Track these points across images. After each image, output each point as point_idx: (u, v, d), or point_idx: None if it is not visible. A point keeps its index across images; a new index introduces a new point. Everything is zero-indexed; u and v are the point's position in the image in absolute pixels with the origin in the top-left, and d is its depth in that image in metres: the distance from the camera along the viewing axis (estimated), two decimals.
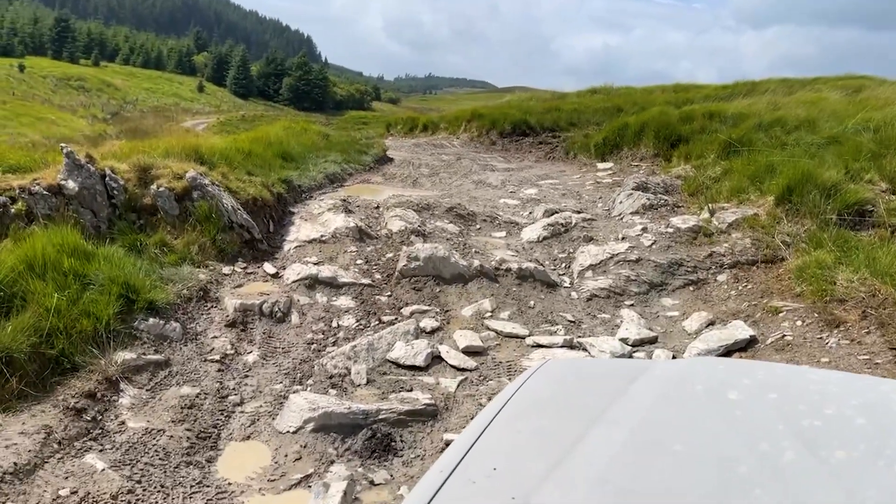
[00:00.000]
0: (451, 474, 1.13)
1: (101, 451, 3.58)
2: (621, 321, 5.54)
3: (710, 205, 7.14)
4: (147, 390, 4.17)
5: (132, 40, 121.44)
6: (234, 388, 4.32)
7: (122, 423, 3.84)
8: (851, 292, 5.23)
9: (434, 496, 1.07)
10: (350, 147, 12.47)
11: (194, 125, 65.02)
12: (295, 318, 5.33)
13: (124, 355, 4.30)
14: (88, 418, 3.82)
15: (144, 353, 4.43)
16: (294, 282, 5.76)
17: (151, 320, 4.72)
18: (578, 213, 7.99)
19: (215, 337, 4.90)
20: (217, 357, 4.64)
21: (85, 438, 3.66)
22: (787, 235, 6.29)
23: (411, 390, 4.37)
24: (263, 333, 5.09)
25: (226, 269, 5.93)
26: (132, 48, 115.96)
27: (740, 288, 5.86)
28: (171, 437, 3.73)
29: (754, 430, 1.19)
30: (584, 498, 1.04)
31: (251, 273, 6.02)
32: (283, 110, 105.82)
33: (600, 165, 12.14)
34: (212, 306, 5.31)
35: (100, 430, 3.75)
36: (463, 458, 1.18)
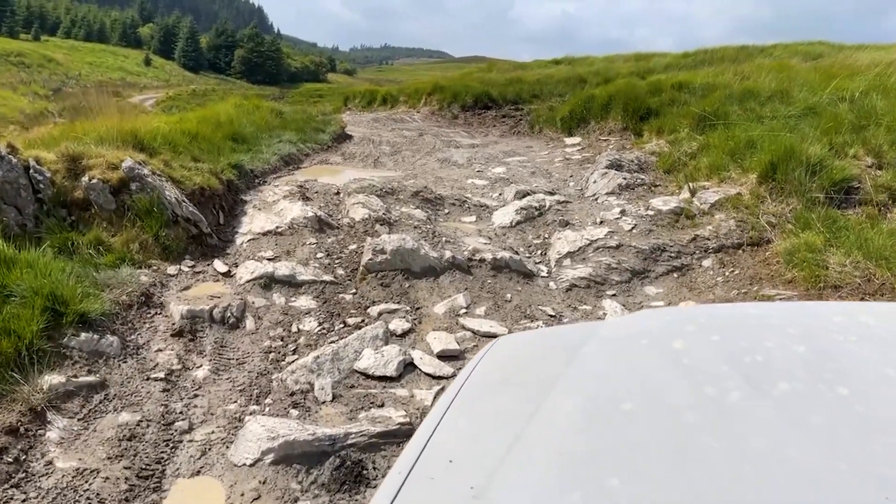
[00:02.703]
0: (409, 474, 1.08)
1: (24, 500, 3.06)
2: (604, 313, 5.17)
3: (690, 184, 6.79)
4: (79, 420, 3.64)
5: (73, 12, 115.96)
6: (181, 412, 3.81)
7: (50, 462, 3.31)
8: (846, 278, 4.94)
9: (393, 501, 1.02)
10: (306, 125, 11.80)
11: (142, 100, 62.76)
12: (250, 323, 4.82)
13: (52, 379, 3.75)
14: (10, 459, 3.28)
15: (76, 376, 3.88)
16: (248, 281, 5.23)
17: (84, 335, 4.15)
18: (551, 194, 7.57)
19: (159, 350, 4.36)
20: (161, 374, 4.11)
21: (6, 486, 3.13)
22: (772, 216, 5.99)
23: (383, 405, 3.92)
24: (215, 343, 4.57)
25: (171, 269, 5.36)
26: (73, 21, 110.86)
27: (727, 274, 5.54)
28: (107, 478, 3.23)
29: (699, 376, 1.19)
30: (543, 474, 1.02)
31: (200, 272, 5.46)
32: (235, 84, 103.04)
33: (568, 140, 11.74)
34: (155, 313, 4.76)
35: (23, 474, 3.22)
36: (420, 454, 1.13)
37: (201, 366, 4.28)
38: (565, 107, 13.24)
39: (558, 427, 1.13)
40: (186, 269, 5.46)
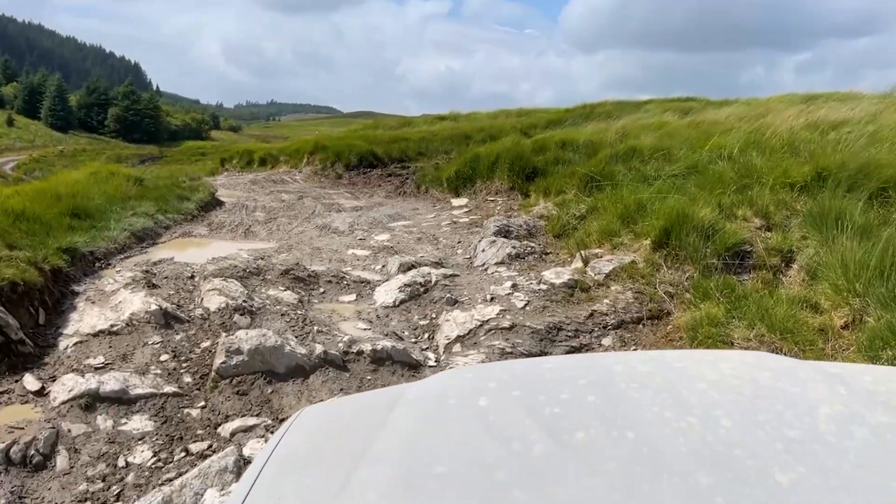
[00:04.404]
0: None
1: None
2: None
3: (582, 252, 6.38)
4: None
5: None
6: None
7: None
8: None
9: None
10: (169, 192, 10.69)
11: (1, 164, 58.01)
12: (62, 460, 3.79)
13: None
14: None
15: None
16: (64, 402, 4.19)
17: None
18: (438, 266, 6.96)
19: None
20: None
21: None
22: (669, 285, 5.64)
23: None
24: (11, 493, 3.52)
25: None
26: None
27: None
28: None
29: (505, 431, 1.20)
30: None
31: (4, 393, 4.36)
32: (109, 143, 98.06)
33: (455, 202, 11.31)
34: None
35: None
36: None
37: None
38: (451, 166, 12.89)
39: (369, 499, 1.09)
40: None
